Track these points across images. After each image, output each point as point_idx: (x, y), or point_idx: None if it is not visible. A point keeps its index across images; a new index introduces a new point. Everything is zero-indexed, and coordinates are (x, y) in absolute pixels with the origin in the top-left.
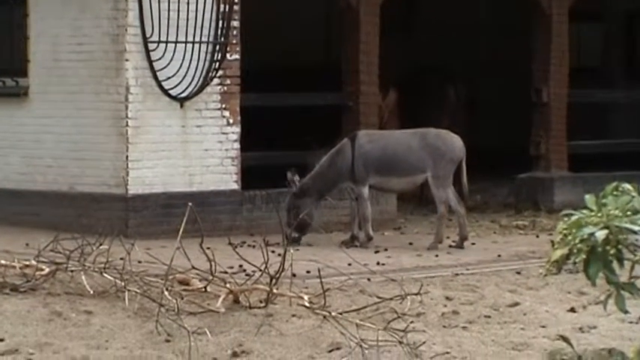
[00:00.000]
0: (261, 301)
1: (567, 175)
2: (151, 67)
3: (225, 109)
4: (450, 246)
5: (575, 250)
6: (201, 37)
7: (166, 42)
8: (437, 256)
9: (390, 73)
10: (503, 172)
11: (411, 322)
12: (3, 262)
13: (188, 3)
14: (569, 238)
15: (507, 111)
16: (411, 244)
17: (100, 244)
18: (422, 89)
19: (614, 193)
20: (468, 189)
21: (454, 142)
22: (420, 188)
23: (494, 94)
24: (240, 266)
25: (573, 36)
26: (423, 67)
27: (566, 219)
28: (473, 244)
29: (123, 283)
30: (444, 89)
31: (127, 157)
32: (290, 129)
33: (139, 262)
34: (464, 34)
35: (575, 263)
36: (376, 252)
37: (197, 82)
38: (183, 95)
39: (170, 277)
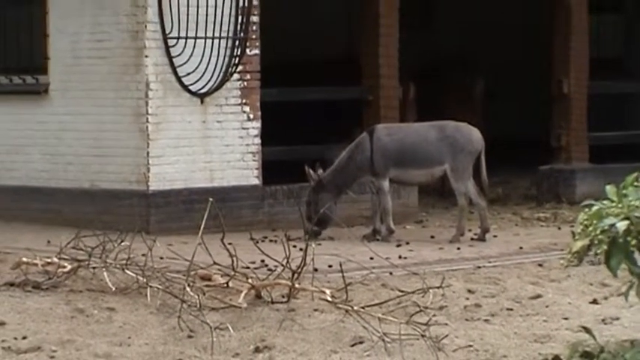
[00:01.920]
0: (283, 296)
1: (589, 167)
2: (171, 63)
3: (245, 104)
4: (472, 239)
5: (596, 242)
6: (220, 33)
7: (186, 38)
8: (459, 249)
9: (410, 66)
10: (525, 164)
11: (434, 315)
12: (25, 259)
13: None
14: (590, 229)
15: (528, 103)
16: (432, 237)
17: (122, 241)
18: (441, 82)
19: (635, 184)
20: (490, 181)
21: (472, 135)
22: (441, 181)
23: (514, 86)
24: (262, 261)
25: (593, 27)
26: (443, 60)
27: (586, 210)
28: (494, 236)
29: (145, 280)
30: (464, 82)
31: (147, 153)
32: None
33: (161, 258)
34: (483, 27)
35: (596, 254)
36: (398, 245)
37: (217, 78)
38: (203, 91)
39: (192, 272)
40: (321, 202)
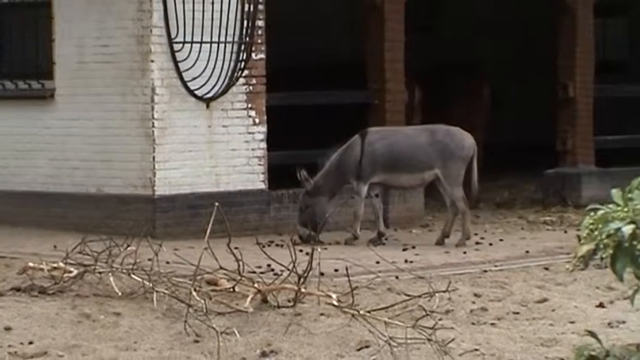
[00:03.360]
0: (289, 301)
1: (594, 170)
2: (177, 68)
3: (251, 108)
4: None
5: (601, 246)
6: (226, 37)
7: (191, 42)
8: (465, 253)
9: (415, 71)
10: (531, 168)
11: (440, 319)
12: (31, 264)
13: (213, 3)
14: (596, 233)
15: (533, 107)
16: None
17: (128, 246)
18: (447, 86)
19: None
20: (495, 185)
21: (464, 140)
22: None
23: (520, 90)
24: (268, 266)
25: (599, 30)
26: (448, 64)
27: (592, 214)
28: (501, 240)
29: (151, 284)
30: (469, 86)
31: (153, 158)
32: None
33: (167, 262)
34: (489, 32)
35: (602, 259)
36: (404, 250)
37: (223, 82)
38: (209, 95)
39: (198, 277)
40: (314, 206)
